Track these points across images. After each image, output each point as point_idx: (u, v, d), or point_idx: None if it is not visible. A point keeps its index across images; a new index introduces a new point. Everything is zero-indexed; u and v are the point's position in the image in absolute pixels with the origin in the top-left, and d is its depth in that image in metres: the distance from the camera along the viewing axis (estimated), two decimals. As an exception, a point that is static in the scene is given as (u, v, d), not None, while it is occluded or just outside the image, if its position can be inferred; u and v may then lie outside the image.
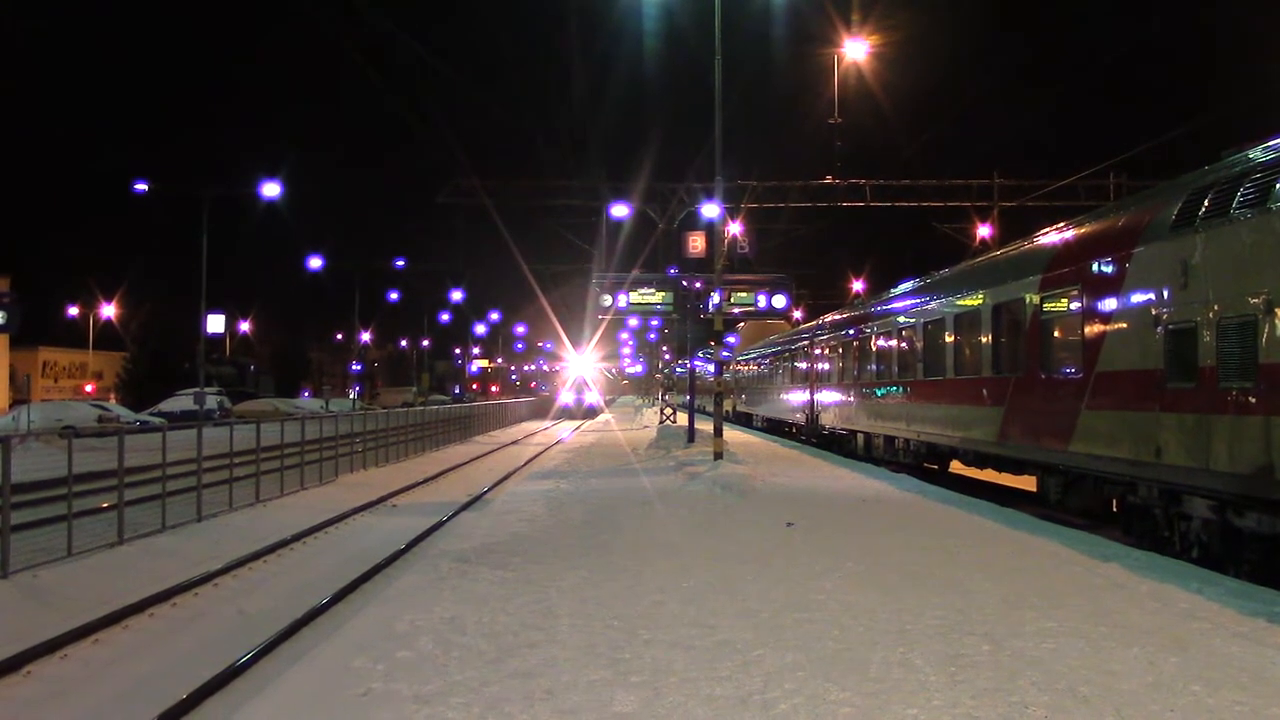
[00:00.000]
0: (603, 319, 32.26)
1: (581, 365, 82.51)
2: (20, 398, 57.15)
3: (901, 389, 21.59)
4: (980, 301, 17.05)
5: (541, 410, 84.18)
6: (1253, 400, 9.38)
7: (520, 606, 8.72)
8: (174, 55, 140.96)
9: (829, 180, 35.36)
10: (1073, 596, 8.70)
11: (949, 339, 18.72)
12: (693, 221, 32.66)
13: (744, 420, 49.95)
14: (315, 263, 56.92)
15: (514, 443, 47.44)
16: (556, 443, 44.48)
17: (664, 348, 71.91)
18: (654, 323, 52.10)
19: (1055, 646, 7.11)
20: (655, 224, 34.48)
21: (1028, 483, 16.63)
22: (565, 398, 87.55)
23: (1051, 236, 14.94)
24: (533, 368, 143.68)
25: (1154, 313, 11.09)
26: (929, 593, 8.91)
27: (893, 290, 25.07)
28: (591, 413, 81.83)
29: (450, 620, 8.27)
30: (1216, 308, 9.96)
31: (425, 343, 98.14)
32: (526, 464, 32.46)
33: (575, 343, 76.55)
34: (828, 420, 29.72)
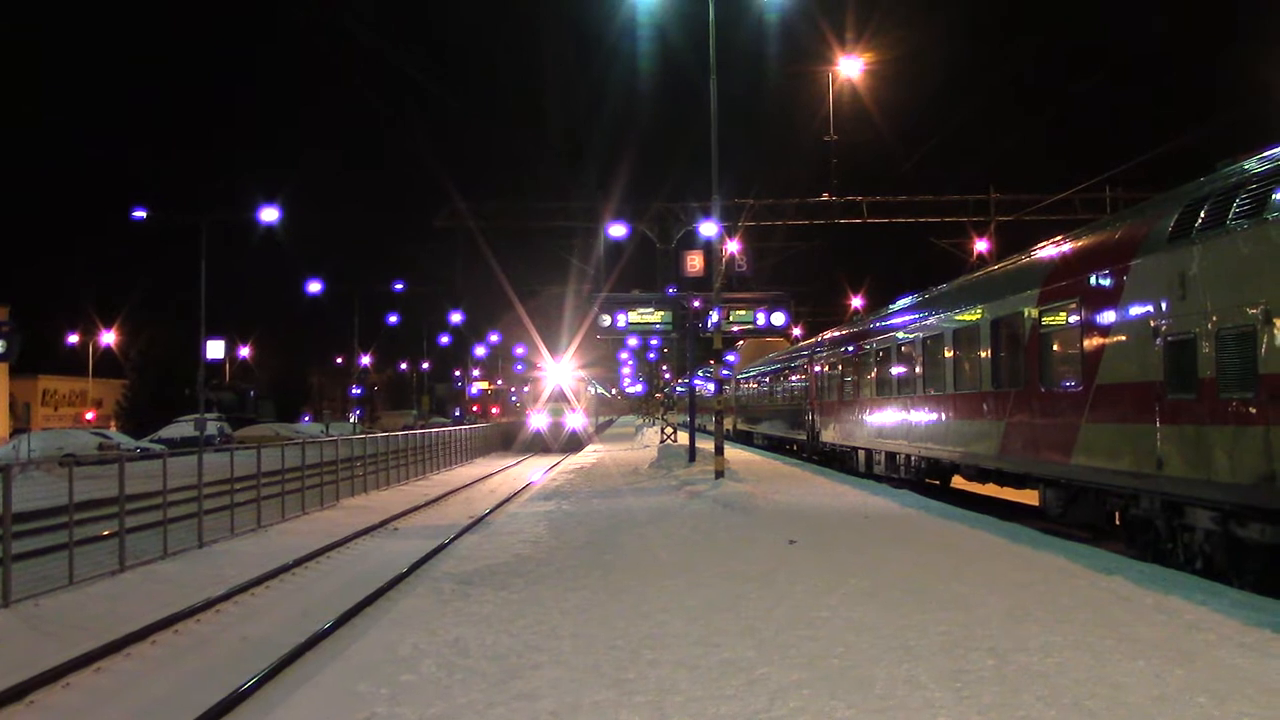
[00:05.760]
0: (600, 337, 32.28)
1: (559, 375, 61.98)
2: (20, 426, 57.17)
3: (902, 405, 21.58)
4: (979, 316, 17.07)
5: (503, 440, 59.61)
6: (1253, 410, 9.39)
7: (524, 628, 8.70)
8: (171, 81, 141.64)
9: (825, 197, 35.46)
10: (1077, 610, 8.69)
11: (948, 354, 18.72)
12: (690, 240, 32.83)
13: (744, 438, 49.92)
14: (315, 287, 57.05)
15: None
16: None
17: (664, 367, 71.79)
18: (654, 342, 52.11)
19: (1060, 660, 7.09)
20: (644, 239, 34.58)
21: (1030, 497, 16.59)
22: (537, 421, 60.62)
23: (1049, 250, 14.97)
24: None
25: (1153, 324, 11.11)
26: (933, 608, 8.90)
27: (891, 306, 25.11)
28: (575, 442, 56.19)
29: (454, 642, 8.26)
30: (1215, 318, 9.98)
31: (425, 365, 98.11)
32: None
33: (555, 353, 61.29)
34: (828, 437, 29.70)
